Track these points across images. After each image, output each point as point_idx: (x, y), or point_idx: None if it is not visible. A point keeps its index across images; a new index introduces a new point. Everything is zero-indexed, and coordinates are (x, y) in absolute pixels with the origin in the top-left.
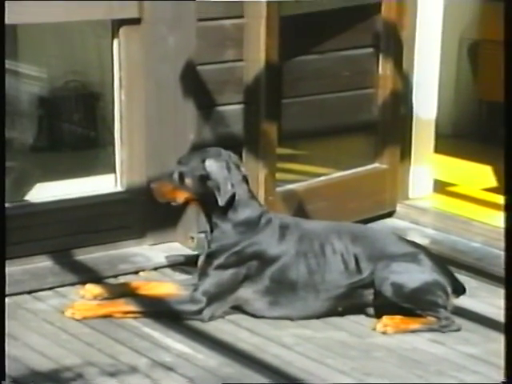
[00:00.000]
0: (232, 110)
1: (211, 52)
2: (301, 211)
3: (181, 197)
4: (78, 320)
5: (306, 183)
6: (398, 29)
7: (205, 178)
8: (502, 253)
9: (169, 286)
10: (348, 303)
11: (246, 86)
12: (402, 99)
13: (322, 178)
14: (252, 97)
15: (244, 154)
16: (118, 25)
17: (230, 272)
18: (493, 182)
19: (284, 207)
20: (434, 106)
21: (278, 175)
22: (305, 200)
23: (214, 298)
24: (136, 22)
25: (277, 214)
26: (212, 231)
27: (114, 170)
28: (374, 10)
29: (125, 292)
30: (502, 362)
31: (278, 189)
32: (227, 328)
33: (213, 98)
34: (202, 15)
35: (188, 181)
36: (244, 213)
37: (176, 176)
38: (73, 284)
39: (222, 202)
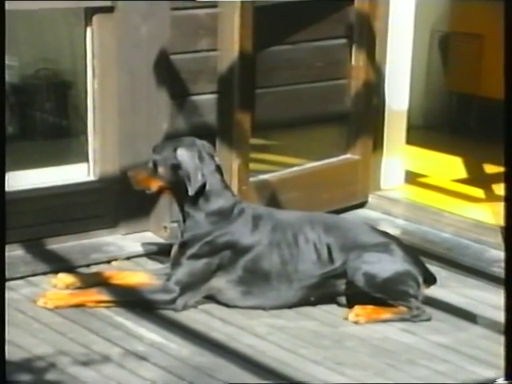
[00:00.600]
0: (206, 99)
1: (185, 41)
2: (274, 201)
3: (154, 185)
4: (50, 309)
5: (278, 173)
6: (371, 20)
7: (176, 167)
8: (472, 243)
9: (141, 276)
10: (320, 293)
11: (220, 75)
12: (374, 90)
13: (294, 169)
14: (226, 86)
15: (217, 144)
16: (91, 13)
17: (202, 262)
18: (463, 173)
19: (257, 197)
20: (406, 98)
21: (252, 165)
22: (278, 190)
23: (186, 287)
24: (109, 10)
25: (250, 204)
26: (185, 221)
27: (86, 159)
28: (347, 0)
29: (97, 281)
30: (471, 350)
31: (251, 179)
32: (200, 317)
33: (186, 88)
34: (176, 4)
35: (161, 169)
36: (217, 203)
37: (150, 164)
38: (45, 273)
39: (191, 191)
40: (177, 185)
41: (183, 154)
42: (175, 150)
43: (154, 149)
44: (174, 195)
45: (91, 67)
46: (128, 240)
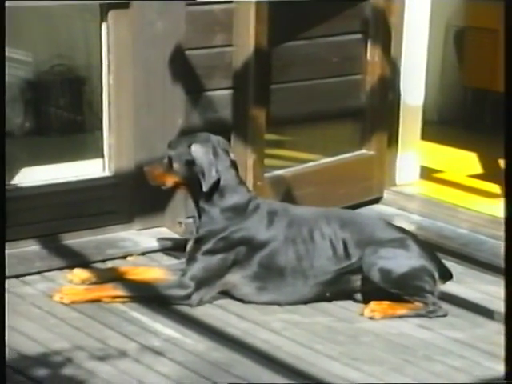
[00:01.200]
0: (221, 95)
1: (200, 37)
2: (289, 197)
3: (170, 181)
4: (66, 304)
5: (293, 169)
6: (387, 15)
7: (191, 162)
8: (488, 239)
9: (157, 271)
10: (336, 289)
11: (235, 71)
12: (389, 85)
13: (309, 164)
14: (241, 82)
15: (232, 140)
16: (106, 9)
17: (218, 257)
18: (478, 168)
19: (272, 193)
20: (422, 93)
21: (267, 161)
22: (293, 186)
23: (202, 282)
24: (124, 6)
25: (265, 200)
26: (200, 216)
27: (102, 155)
28: None
29: (113, 277)
30: (487, 346)
31: (266, 174)
32: (215, 313)
33: (201, 83)
34: (191, 0)
35: (175, 165)
36: (232, 198)
37: (165, 160)
38: (60, 268)
39: (205, 187)
40: (192, 180)
41: (198, 150)
42: (190, 145)
43: (169, 144)
44: (189, 191)
45: (106, 63)
46: (143, 235)
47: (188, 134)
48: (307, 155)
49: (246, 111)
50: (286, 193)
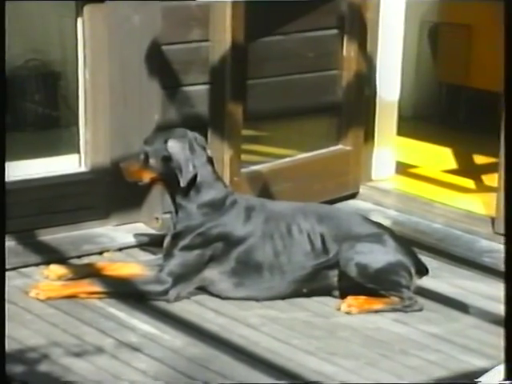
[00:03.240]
0: (197, 90)
1: (176, 32)
2: (266, 192)
3: (146, 177)
4: (42, 300)
5: (270, 164)
6: (362, 11)
7: (167, 158)
8: (463, 233)
9: (134, 267)
10: (313, 284)
11: (212, 66)
12: (365, 81)
13: (286, 160)
14: (217, 77)
15: (209, 135)
16: (81, 3)
17: (195, 253)
18: (453, 163)
19: (249, 188)
20: (397, 88)
21: (243, 156)
22: (270, 181)
23: (179, 278)
24: (100, 0)
25: (242, 195)
26: (177, 212)
27: (77, 150)
28: None
29: (90, 272)
30: (462, 340)
31: (243, 170)
32: (193, 308)
33: (178, 78)
34: None
35: (152, 161)
36: (209, 194)
37: (142, 156)
38: (36, 264)
39: (183, 182)
40: (168, 176)
41: (174, 146)
42: (166, 141)
43: (146, 140)
44: (165, 186)
45: (82, 58)
46: (119, 231)
47: (164, 129)
48: (284, 150)
49: (223, 107)
50: (263, 188)
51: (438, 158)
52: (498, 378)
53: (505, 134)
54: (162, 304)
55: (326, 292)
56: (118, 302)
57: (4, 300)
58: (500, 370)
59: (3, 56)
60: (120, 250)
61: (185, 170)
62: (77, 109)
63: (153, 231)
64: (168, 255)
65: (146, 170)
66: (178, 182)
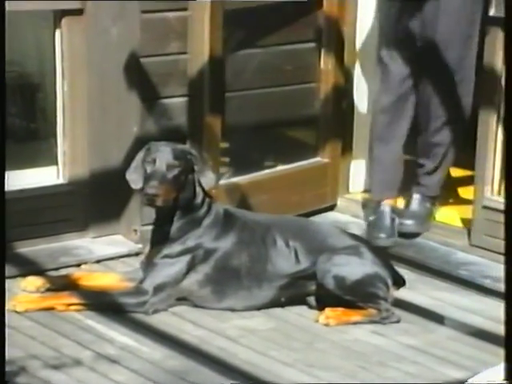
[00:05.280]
0: (176, 102)
1: (155, 44)
2: (244, 204)
3: (172, 196)
4: (19, 312)
5: (248, 176)
6: (340, 24)
7: (191, 170)
8: (439, 246)
9: (113, 278)
10: (291, 293)
11: (190, 78)
12: (343, 94)
13: (264, 172)
14: (196, 90)
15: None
16: (60, 15)
17: (174, 263)
18: None
19: (227, 200)
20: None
21: (222, 168)
22: (248, 193)
23: (159, 289)
24: (78, 12)
25: (221, 206)
26: (157, 222)
27: (56, 162)
28: (316, 5)
29: (68, 284)
30: (439, 352)
31: (221, 182)
32: (171, 320)
33: (157, 91)
34: (146, 7)
35: (182, 177)
36: (189, 204)
37: (170, 174)
38: (14, 276)
39: (207, 187)
40: (184, 189)
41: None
42: (189, 153)
43: (173, 155)
44: (169, 201)
45: (60, 70)
46: (98, 243)
47: (144, 141)
48: (262, 162)
49: (201, 119)
50: (241, 200)
51: (414, 169)
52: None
53: (506, 139)
54: (140, 316)
55: (303, 302)
56: (96, 314)
57: (4, 302)
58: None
59: (3, 56)
60: (98, 262)
61: (210, 177)
62: (55, 121)
63: (131, 243)
64: (147, 266)
65: (174, 188)
66: (192, 194)
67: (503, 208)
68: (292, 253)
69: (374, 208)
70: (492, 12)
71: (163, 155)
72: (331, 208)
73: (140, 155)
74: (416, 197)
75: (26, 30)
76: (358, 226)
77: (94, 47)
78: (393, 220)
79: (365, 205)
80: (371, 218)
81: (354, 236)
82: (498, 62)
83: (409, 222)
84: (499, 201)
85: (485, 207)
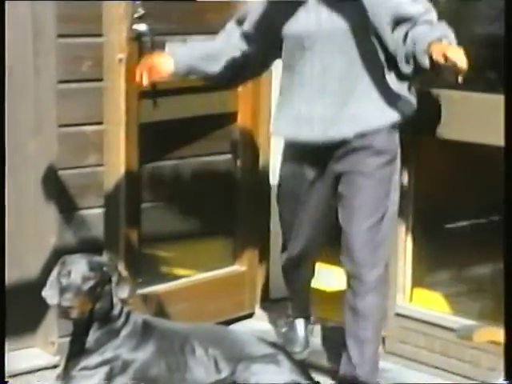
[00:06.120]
0: (93, 213)
1: (72, 157)
2: (162, 313)
3: (88, 308)
4: None
5: (166, 285)
6: (254, 137)
7: (107, 281)
8: None
9: None
10: None
11: (107, 190)
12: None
13: (182, 280)
14: (112, 201)
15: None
16: None
17: (93, 375)
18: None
19: (145, 309)
20: None
21: (139, 277)
22: (165, 302)
23: None
24: None
25: (139, 315)
26: (75, 334)
27: None
28: (231, 118)
29: None
30: None
31: (139, 291)
32: None
33: (74, 202)
34: (63, 121)
35: (98, 289)
36: (106, 314)
37: (86, 286)
38: None
39: (122, 296)
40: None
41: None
42: (103, 264)
43: (90, 267)
44: (85, 313)
45: None
46: (14, 357)
47: (63, 253)
48: (180, 271)
49: (118, 229)
50: (159, 309)
51: (333, 276)
52: None
53: (505, 144)
54: None
55: None
56: None
57: (4, 302)
58: None
59: (3, 56)
60: (14, 376)
61: (126, 288)
62: None
63: (49, 355)
64: (65, 379)
65: (90, 299)
66: (109, 305)
67: (415, 315)
68: (211, 361)
69: (287, 320)
70: None
71: (78, 267)
72: (250, 316)
73: (55, 270)
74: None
75: None
76: (277, 334)
77: (11, 162)
78: (306, 330)
79: (279, 316)
80: (284, 330)
81: (272, 344)
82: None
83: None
84: (411, 308)
85: (398, 314)
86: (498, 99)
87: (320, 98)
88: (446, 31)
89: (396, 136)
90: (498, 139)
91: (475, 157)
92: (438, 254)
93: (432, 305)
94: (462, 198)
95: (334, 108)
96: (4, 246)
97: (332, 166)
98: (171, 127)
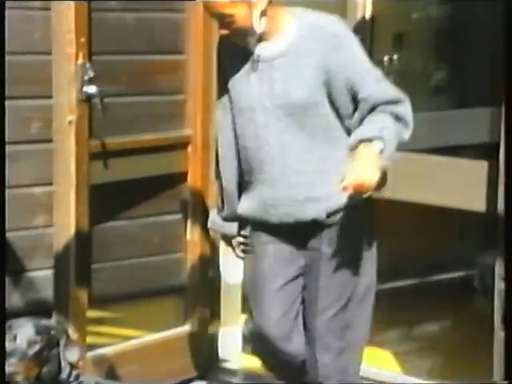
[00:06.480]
0: (42, 275)
1: (21, 218)
2: (112, 375)
3: (33, 372)
4: None
5: (116, 347)
6: (204, 196)
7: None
8: None
9: None
10: None
11: (56, 251)
12: (209, 263)
13: (132, 341)
14: (62, 262)
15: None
16: None
17: None
18: None
19: (95, 371)
20: (241, 271)
21: (89, 339)
22: (116, 363)
23: None
24: None
25: (91, 378)
26: None
27: None
28: (181, 178)
29: None
30: None
31: (89, 353)
32: None
33: (22, 264)
34: (12, 182)
35: (45, 352)
36: (54, 379)
37: (31, 350)
38: None
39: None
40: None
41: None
42: (50, 329)
43: (38, 331)
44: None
45: None
46: None
47: (11, 315)
48: (130, 332)
49: (67, 290)
50: (109, 371)
51: None
52: None
53: (504, 146)
54: None
55: None
56: None
57: (4, 302)
58: None
59: (3, 56)
60: None
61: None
62: None
63: None
64: None
65: (35, 364)
66: (57, 369)
67: (366, 375)
68: None
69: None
70: None
71: (24, 331)
72: (202, 377)
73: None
74: None
75: None
76: None
77: None
78: None
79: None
80: None
81: None
82: None
83: None
84: (362, 367)
85: None
86: (441, 160)
87: (284, 179)
88: (383, 131)
89: (369, 209)
90: (440, 199)
91: (420, 216)
92: (386, 312)
93: (382, 363)
94: (408, 256)
95: (301, 188)
96: (4, 246)
97: (298, 245)
98: (122, 187)
